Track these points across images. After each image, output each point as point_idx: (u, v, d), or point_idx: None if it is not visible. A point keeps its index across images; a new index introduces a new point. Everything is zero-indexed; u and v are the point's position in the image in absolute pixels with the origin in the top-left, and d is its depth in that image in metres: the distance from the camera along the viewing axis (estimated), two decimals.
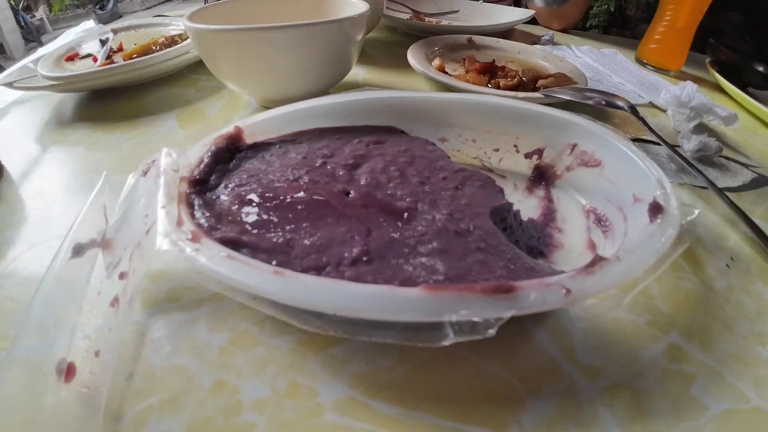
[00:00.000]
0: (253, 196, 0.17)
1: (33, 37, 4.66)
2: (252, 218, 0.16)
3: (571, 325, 0.17)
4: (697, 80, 0.53)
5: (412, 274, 0.13)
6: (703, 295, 0.20)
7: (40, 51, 0.70)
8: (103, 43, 0.47)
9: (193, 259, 0.13)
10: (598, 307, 0.18)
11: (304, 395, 0.14)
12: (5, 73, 0.44)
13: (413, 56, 0.37)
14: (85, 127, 0.36)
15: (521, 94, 0.31)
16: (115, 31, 0.50)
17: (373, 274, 0.13)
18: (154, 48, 0.44)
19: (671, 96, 0.36)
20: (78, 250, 0.18)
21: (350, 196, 0.17)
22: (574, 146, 0.23)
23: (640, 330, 0.18)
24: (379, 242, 0.15)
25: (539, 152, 0.24)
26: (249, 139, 0.21)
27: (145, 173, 0.18)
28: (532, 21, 0.64)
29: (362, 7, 0.32)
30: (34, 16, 4.74)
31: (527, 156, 0.25)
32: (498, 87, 0.33)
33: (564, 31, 0.62)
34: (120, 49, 0.46)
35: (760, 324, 0.18)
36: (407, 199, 0.17)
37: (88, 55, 0.46)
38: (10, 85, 0.40)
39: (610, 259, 0.14)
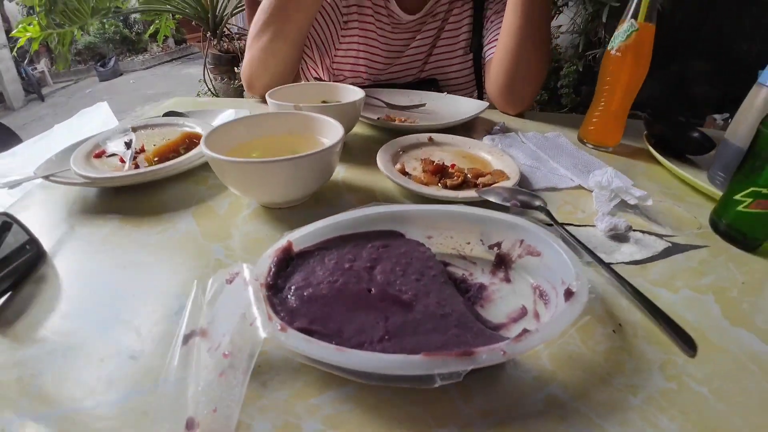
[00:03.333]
0: (309, 295, 0.27)
1: (33, 89, 4.85)
2: (313, 313, 0.26)
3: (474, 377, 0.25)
4: (635, 151, 0.66)
5: (417, 345, 0.24)
6: (583, 355, 0.29)
7: (57, 129, 0.80)
8: (127, 145, 0.57)
9: (286, 344, 0.23)
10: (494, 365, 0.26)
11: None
12: (40, 166, 0.52)
13: (380, 160, 0.49)
14: (116, 219, 0.44)
15: (461, 194, 0.43)
16: (134, 129, 0.60)
17: (393, 347, 0.23)
18: (180, 151, 0.55)
19: (594, 181, 0.49)
20: (186, 339, 0.27)
21: (372, 292, 0.28)
22: (521, 241, 0.35)
23: (526, 383, 0.26)
24: (394, 326, 0.25)
25: (498, 245, 0.36)
26: (296, 248, 0.32)
27: (230, 281, 0.29)
28: (490, 105, 0.78)
29: (339, 133, 0.44)
30: (36, 68, 4.95)
31: (490, 247, 0.36)
32: (446, 186, 0.45)
33: (519, 115, 0.77)
34: (142, 150, 0.55)
35: (635, 378, 0.27)
36: (409, 293, 0.28)
37: (114, 155, 0.55)
38: (47, 178, 0.49)
39: (532, 332, 0.24)
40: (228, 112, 0.64)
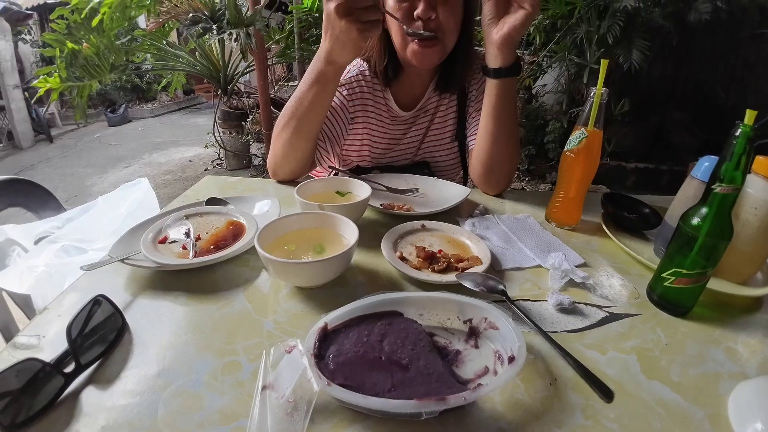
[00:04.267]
0: (342, 361, 0.43)
1: (43, 129, 5.15)
2: (346, 373, 0.42)
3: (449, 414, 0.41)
4: (594, 227, 0.83)
5: (411, 394, 0.39)
6: (525, 400, 0.44)
7: (101, 201, 0.97)
8: (186, 234, 0.71)
9: (331, 393, 0.39)
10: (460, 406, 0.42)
11: None
12: (112, 248, 0.67)
13: (384, 248, 0.65)
14: (183, 296, 0.58)
15: (445, 278, 0.60)
16: (187, 216, 0.76)
17: (397, 395, 0.39)
18: (224, 239, 0.71)
19: (549, 263, 0.66)
20: (261, 390, 0.43)
21: (382, 359, 0.44)
22: (486, 318, 0.51)
23: (483, 419, 0.41)
24: (398, 381, 0.41)
25: (470, 320, 0.52)
26: (329, 327, 0.48)
27: (289, 351, 0.45)
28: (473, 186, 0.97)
29: (354, 234, 0.61)
30: (46, 110, 5.31)
31: (464, 322, 0.52)
32: (434, 270, 0.62)
33: (498, 195, 0.95)
34: (198, 238, 0.70)
35: (561, 416, 0.42)
36: (406, 359, 0.44)
37: (174, 242, 0.69)
38: (123, 261, 0.65)
39: (483, 386, 0.40)
40: (264, 201, 0.83)
